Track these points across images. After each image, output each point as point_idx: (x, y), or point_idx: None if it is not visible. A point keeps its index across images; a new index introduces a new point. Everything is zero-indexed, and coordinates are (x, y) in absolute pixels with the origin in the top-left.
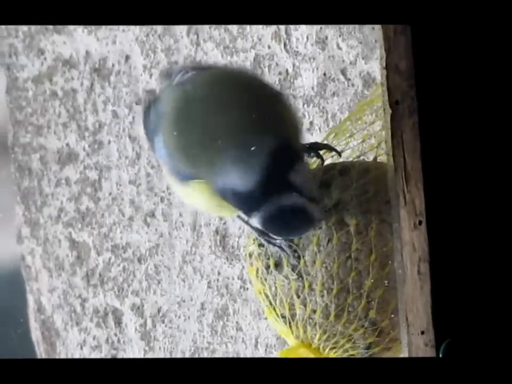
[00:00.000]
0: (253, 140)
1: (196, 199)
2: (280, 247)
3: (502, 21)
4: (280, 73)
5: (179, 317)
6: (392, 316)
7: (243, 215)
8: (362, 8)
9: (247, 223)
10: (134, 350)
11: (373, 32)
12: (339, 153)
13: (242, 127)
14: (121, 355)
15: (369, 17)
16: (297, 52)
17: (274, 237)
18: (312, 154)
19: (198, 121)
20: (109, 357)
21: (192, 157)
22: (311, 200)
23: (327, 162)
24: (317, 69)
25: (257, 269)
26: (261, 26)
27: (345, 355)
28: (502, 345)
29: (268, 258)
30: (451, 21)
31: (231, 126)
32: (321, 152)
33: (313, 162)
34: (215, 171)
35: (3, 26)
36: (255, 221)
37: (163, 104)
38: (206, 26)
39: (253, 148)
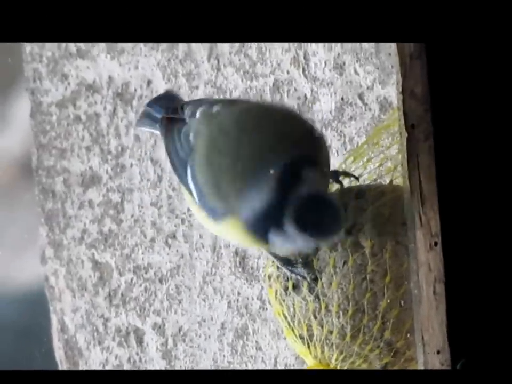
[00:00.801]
0: (266, 162)
1: (229, 235)
2: (301, 275)
3: None
4: (298, 98)
5: (200, 336)
6: (408, 335)
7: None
8: (377, 26)
9: (272, 254)
10: (156, 369)
11: (389, 58)
12: (357, 178)
13: (259, 154)
14: None
15: (384, 36)
16: (316, 77)
17: (296, 266)
18: (331, 180)
19: (229, 154)
20: None
21: (223, 194)
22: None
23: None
24: (335, 93)
25: (276, 290)
26: (280, 51)
27: None
28: None
29: (287, 280)
30: (466, 46)
31: (252, 155)
32: (340, 178)
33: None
34: (240, 204)
35: (27, 52)
36: (289, 220)
37: (192, 136)
38: (227, 52)
39: (271, 171)
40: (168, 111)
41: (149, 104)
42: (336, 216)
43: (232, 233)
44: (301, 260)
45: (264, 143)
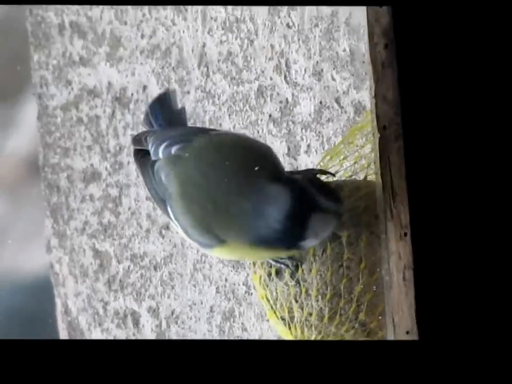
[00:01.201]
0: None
1: (225, 256)
2: (285, 264)
3: (478, 54)
4: (280, 102)
5: (190, 319)
6: (380, 317)
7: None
8: None
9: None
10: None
11: (363, 66)
12: (333, 175)
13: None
14: None
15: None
16: (296, 82)
17: (281, 259)
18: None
19: (206, 189)
20: None
21: (210, 228)
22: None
23: None
24: (314, 97)
25: (260, 277)
26: (263, 60)
27: None
28: (481, 344)
29: (270, 267)
30: (432, 56)
31: (238, 183)
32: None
33: None
34: (246, 225)
35: (35, 60)
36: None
37: (164, 178)
38: (215, 60)
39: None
40: (133, 142)
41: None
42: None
43: (227, 255)
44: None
45: (240, 163)
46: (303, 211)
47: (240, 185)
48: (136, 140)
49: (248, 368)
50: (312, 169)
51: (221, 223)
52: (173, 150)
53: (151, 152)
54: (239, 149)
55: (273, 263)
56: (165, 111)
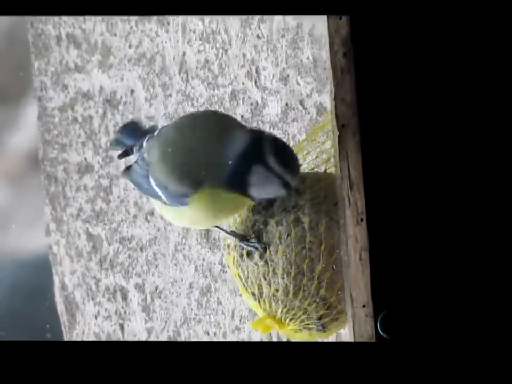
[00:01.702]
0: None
1: (200, 213)
2: (255, 247)
3: (423, 63)
4: (251, 104)
5: (172, 294)
6: (339, 293)
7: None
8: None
9: (231, 233)
10: (137, 320)
11: (325, 72)
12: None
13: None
14: (126, 324)
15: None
16: (265, 87)
17: (250, 240)
18: None
19: (181, 146)
20: (117, 325)
21: (187, 174)
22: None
23: None
24: (281, 100)
25: (234, 257)
26: (236, 67)
27: (302, 324)
28: (429, 318)
29: (242, 249)
30: (388, 61)
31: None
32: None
33: None
34: (214, 168)
35: (36, 67)
36: (272, 162)
37: (146, 155)
38: (194, 67)
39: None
40: (120, 157)
41: (119, 131)
42: (296, 159)
43: (203, 207)
44: (253, 235)
45: (213, 122)
46: (248, 159)
47: (216, 134)
48: (122, 153)
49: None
50: None
51: (201, 167)
52: (155, 132)
53: (136, 150)
54: (211, 114)
55: (244, 246)
56: (137, 132)
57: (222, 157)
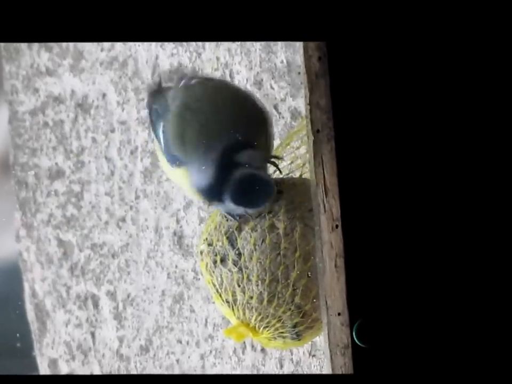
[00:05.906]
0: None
1: (180, 182)
2: (241, 216)
3: (407, 68)
4: None
5: (144, 301)
6: (314, 300)
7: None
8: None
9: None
10: (108, 328)
11: (299, 76)
12: (280, 171)
13: (215, 129)
14: (98, 332)
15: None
16: None
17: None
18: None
19: (195, 119)
20: (88, 333)
21: (184, 147)
22: (259, 168)
23: None
24: None
25: (207, 264)
26: (210, 71)
27: (276, 333)
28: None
29: (216, 255)
30: (362, 66)
31: (209, 128)
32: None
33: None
34: (194, 163)
35: (7, 70)
36: (227, 200)
37: (171, 100)
38: (167, 71)
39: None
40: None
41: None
42: (267, 188)
43: (181, 181)
44: (227, 241)
45: (222, 123)
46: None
47: (225, 130)
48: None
49: None
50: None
51: (192, 150)
52: (192, 81)
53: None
54: (238, 109)
55: (229, 217)
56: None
57: (197, 157)
